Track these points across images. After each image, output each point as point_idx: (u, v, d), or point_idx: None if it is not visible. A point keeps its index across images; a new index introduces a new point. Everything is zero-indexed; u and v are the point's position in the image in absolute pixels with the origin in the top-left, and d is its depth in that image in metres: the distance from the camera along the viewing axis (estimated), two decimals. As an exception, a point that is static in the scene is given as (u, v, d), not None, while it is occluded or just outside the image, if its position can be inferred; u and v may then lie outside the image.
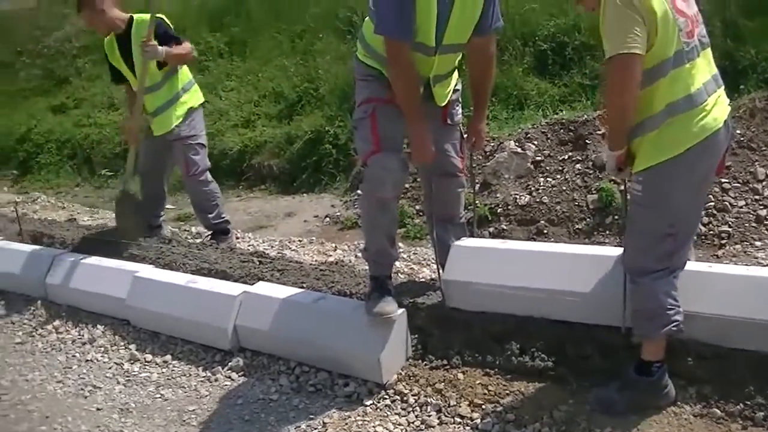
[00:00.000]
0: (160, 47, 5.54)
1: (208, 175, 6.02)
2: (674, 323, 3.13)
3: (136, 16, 5.76)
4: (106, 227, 6.76)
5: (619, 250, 3.54)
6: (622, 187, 5.48)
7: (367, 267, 4.15)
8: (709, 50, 3.14)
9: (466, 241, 4.16)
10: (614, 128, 3.18)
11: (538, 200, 5.92)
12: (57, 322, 5.10)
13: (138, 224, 6.10)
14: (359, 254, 5.38)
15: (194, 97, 6.00)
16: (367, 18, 3.78)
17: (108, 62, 6.05)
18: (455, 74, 3.99)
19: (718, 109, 3.06)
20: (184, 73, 5.95)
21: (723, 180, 5.41)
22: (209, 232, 6.22)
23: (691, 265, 3.38)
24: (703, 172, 3.10)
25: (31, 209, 8.41)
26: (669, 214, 3.07)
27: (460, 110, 4.14)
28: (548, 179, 6.04)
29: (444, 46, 3.64)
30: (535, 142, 6.31)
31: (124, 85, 6.12)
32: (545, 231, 5.71)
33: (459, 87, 4.08)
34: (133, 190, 6.00)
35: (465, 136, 4.19)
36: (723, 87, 3.16)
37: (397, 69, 3.58)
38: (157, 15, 5.64)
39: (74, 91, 11.80)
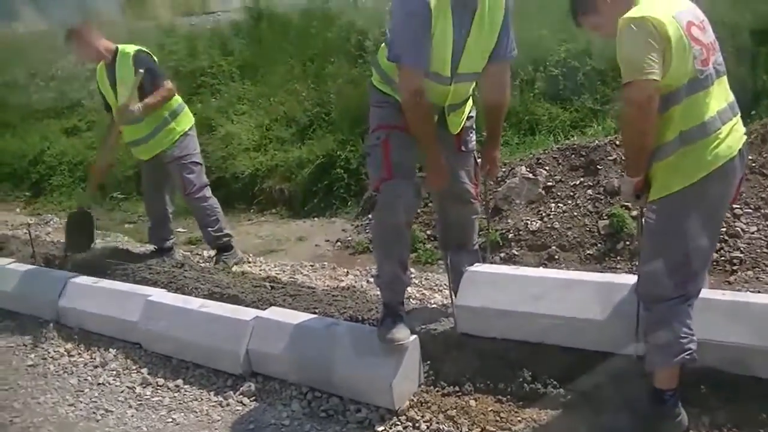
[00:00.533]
0: (136, 107, 5.74)
1: (206, 191, 6.14)
2: (687, 352, 3.12)
3: (120, 46, 5.88)
4: (118, 250, 6.80)
5: (633, 278, 3.54)
6: (634, 213, 5.53)
7: (379, 293, 4.15)
8: (725, 78, 3.15)
9: (480, 267, 4.16)
10: (632, 155, 3.19)
11: (549, 226, 5.92)
12: (69, 345, 5.10)
13: (84, 240, 6.43)
14: (371, 279, 5.39)
15: (184, 120, 6.12)
16: (382, 44, 3.80)
17: (99, 90, 6.16)
18: (470, 101, 4.00)
19: (733, 137, 3.07)
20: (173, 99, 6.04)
21: (735, 206, 5.40)
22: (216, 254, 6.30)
23: (705, 293, 3.38)
24: (717, 200, 3.10)
25: (44, 231, 8.45)
26: (683, 243, 3.07)
27: (474, 137, 4.16)
28: (559, 205, 6.04)
29: (459, 75, 3.66)
30: (547, 168, 6.32)
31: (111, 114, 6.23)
32: (556, 256, 5.71)
33: (473, 114, 4.10)
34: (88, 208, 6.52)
35: (479, 162, 4.20)
36: (739, 115, 3.17)
37: (410, 96, 3.60)
38: (143, 49, 5.79)
39: (87, 114, 11.87)
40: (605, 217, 5.74)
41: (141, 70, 5.68)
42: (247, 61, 10.94)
